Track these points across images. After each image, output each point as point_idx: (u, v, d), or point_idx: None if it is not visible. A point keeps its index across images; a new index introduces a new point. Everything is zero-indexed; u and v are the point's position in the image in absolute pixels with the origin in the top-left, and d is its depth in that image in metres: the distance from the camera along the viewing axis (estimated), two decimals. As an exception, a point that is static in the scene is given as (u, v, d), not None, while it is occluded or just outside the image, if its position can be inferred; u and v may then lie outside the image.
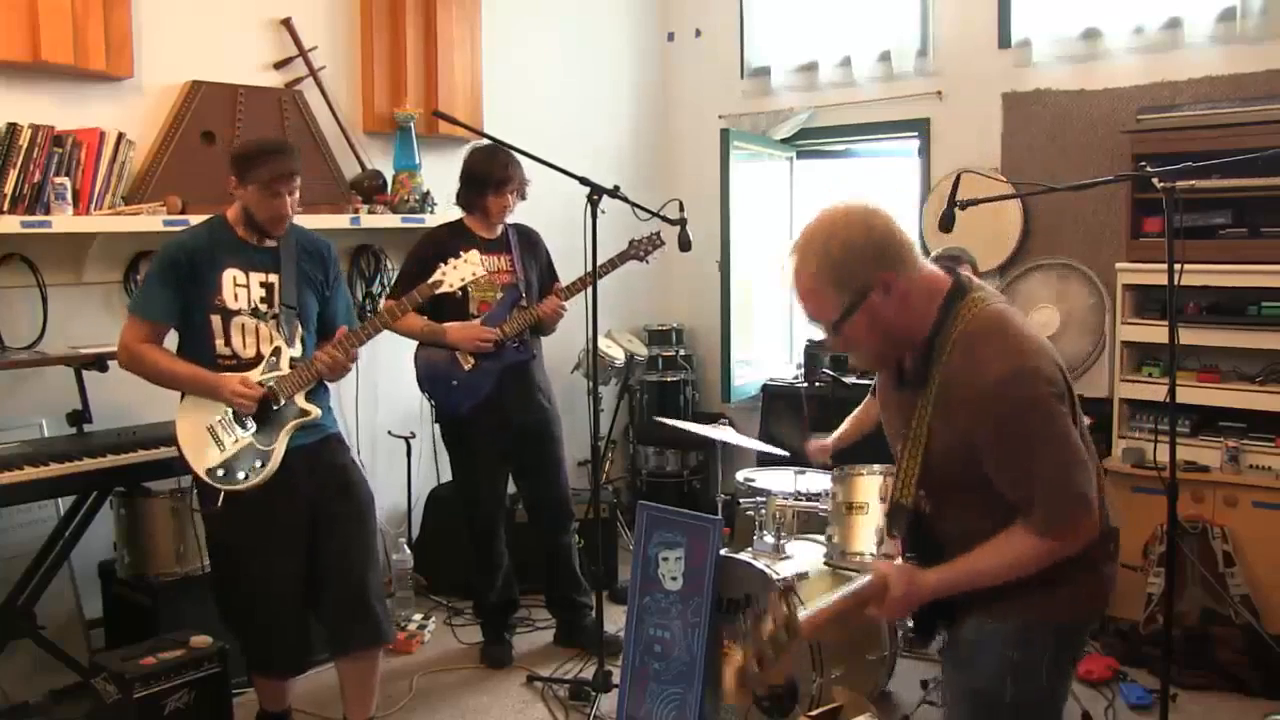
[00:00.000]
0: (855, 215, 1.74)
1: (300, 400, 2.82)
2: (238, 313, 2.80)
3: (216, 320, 2.79)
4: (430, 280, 2.95)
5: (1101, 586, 1.88)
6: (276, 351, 2.82)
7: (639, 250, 3.76)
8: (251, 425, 2.77)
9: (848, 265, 1.71)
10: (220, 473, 2.74)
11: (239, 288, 2.81)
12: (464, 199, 3.70)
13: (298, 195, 2.84)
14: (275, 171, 2.75)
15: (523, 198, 3.72)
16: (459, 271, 2.96)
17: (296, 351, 2.86)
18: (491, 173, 3.59)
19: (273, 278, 2.85)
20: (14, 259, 3.34)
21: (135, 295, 3.07)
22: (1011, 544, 1.75)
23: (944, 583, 1.79)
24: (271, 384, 2.77)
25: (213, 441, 2.76)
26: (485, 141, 3.59)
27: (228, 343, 2.80)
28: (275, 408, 2.77)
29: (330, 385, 3.03)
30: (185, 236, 2.86)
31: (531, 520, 3.94)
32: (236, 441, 2.75)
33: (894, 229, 1.76)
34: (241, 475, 2.74)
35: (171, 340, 2.88)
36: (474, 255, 3.00)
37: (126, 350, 2.80)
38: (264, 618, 2.89)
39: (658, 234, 3.75)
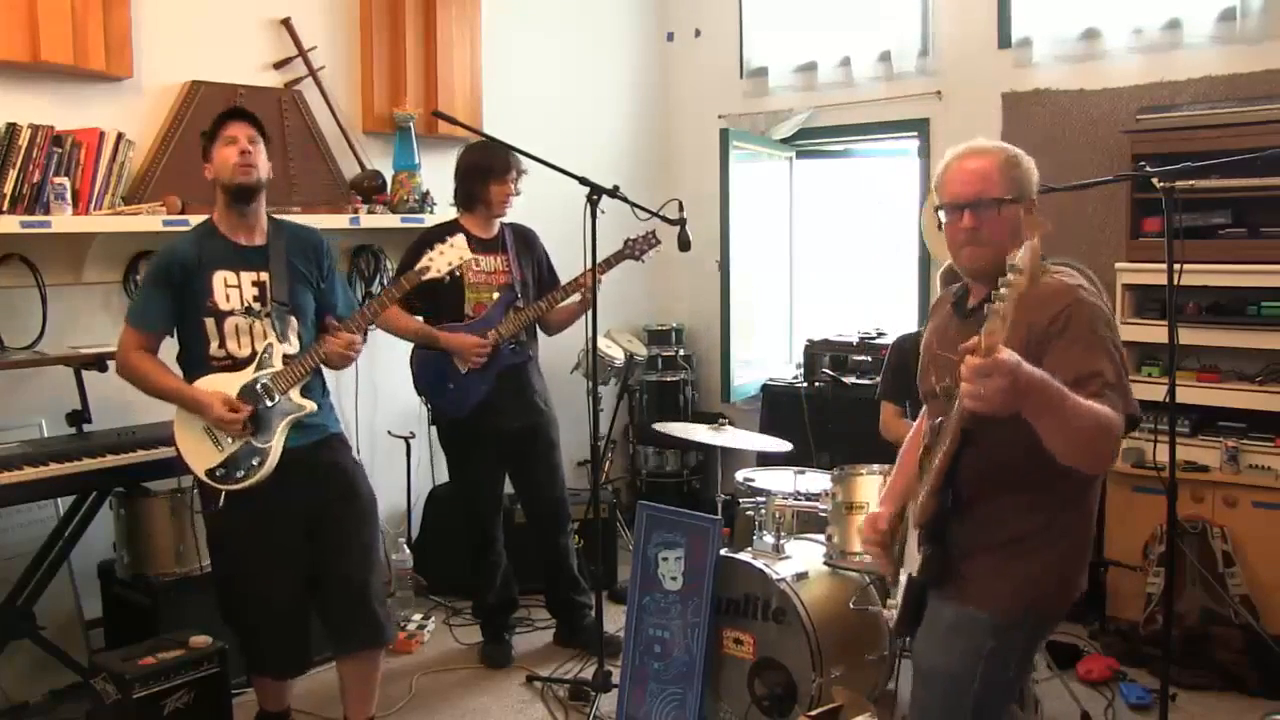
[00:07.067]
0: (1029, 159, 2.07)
1: (295, 395, 2.81)
2: (230, 313, 2.80)
3: (210, 323, 2.79)
4: (417, 267, 2.93)
5: (1077, 585, 2.03)
6: (269, 348, 2.81)
7: (634, 249, 3.74)
8: (249, 424, 2.77)
9: (1027, 174, 2.04)
10: (220, 472, 2.75)
11: (230, 289, 2.81)
12: (463, 195, 3.69)
13: (262, 148, 2.82)
14: (225, 118, 2.81)
15: (517, 192, 3.72)
16: (445, 257, 2.92)
17: (292, 348, 2.85)
18: (491, 162, 3.60)
19: (264, 275, 2.85)
20: (13, 259, 3.33)
21: (131, 304, 3.08)
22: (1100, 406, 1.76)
23: (1049, 390, 1.68)
24: (265, 382, 2.77)
25: (211, 442, 2.76)
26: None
27: (222, 344, 2.80)
28: (269, 404, 2.77)
29: (330, 385, 3.03)
30: (176, 243, 2.86)
31: (529, 522, 3.93)
32: (234, 440, 2.76)
33: None
34: (240, 474, 2.75)
35: (170, 346, 2.88)
36: (460, 239, 2.97)
37: (121, 359, 2.82)
38: (260, 620, 2.89)
39: (653, 233, 3.74)
